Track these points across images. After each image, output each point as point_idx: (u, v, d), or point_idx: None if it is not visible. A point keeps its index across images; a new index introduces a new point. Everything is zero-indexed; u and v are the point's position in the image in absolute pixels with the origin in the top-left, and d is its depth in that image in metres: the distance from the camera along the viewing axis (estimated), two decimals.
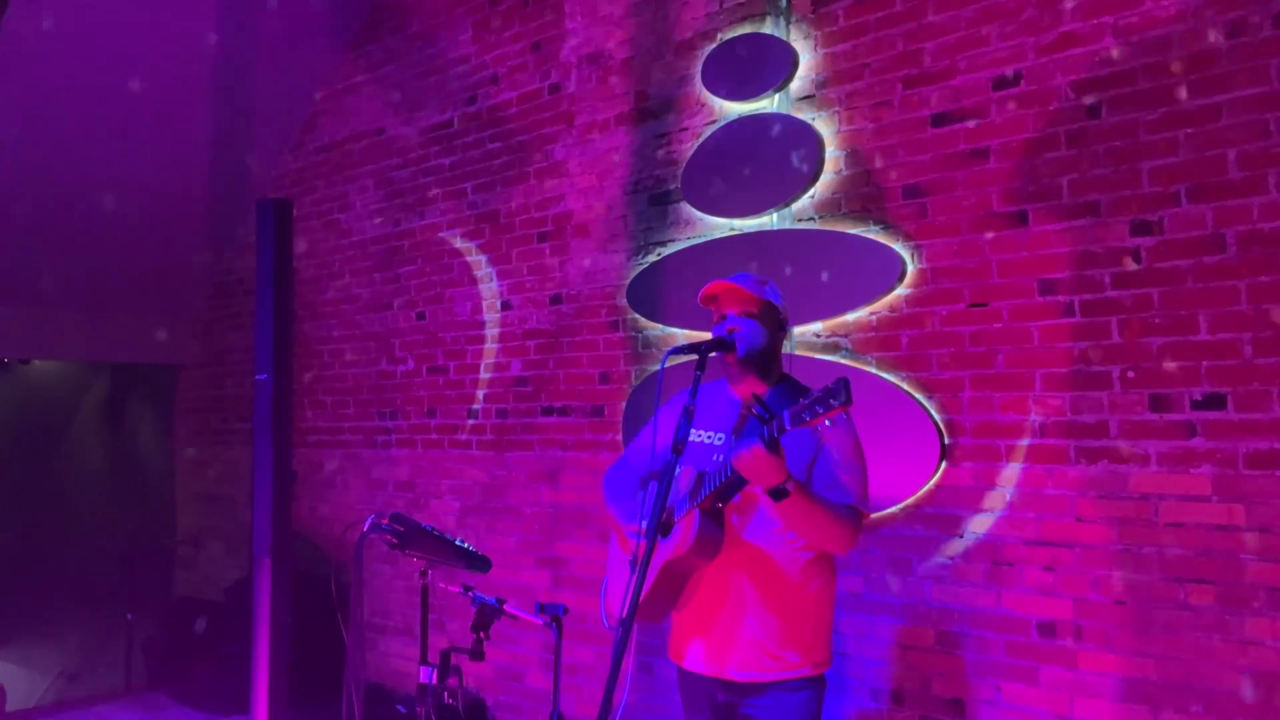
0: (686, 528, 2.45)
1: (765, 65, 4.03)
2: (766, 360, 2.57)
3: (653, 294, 4.39)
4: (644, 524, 2.49)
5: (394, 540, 2.87)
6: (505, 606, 2.92)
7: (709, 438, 2.60)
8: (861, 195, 3.76)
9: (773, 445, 2.20)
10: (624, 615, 2.24)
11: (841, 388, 2.10)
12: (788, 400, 2.47)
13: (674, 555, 2.46)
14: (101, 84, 5.46)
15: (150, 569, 7.03)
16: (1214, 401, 2.97)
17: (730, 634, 2.49)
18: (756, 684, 2.48)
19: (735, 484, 2.38)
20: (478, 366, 5.21)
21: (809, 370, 3.73)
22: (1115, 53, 3.19)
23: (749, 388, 2.57)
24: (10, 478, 6.66)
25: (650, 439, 2.67)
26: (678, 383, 2.67)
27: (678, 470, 2.41)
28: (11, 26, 4.56)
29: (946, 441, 3.48)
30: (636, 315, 4.47)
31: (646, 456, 2.69)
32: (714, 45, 4.24)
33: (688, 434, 2.33)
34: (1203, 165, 3.02)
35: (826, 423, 2.14)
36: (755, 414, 2.24)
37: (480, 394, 5.18)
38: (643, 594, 2.49)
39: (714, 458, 2.54)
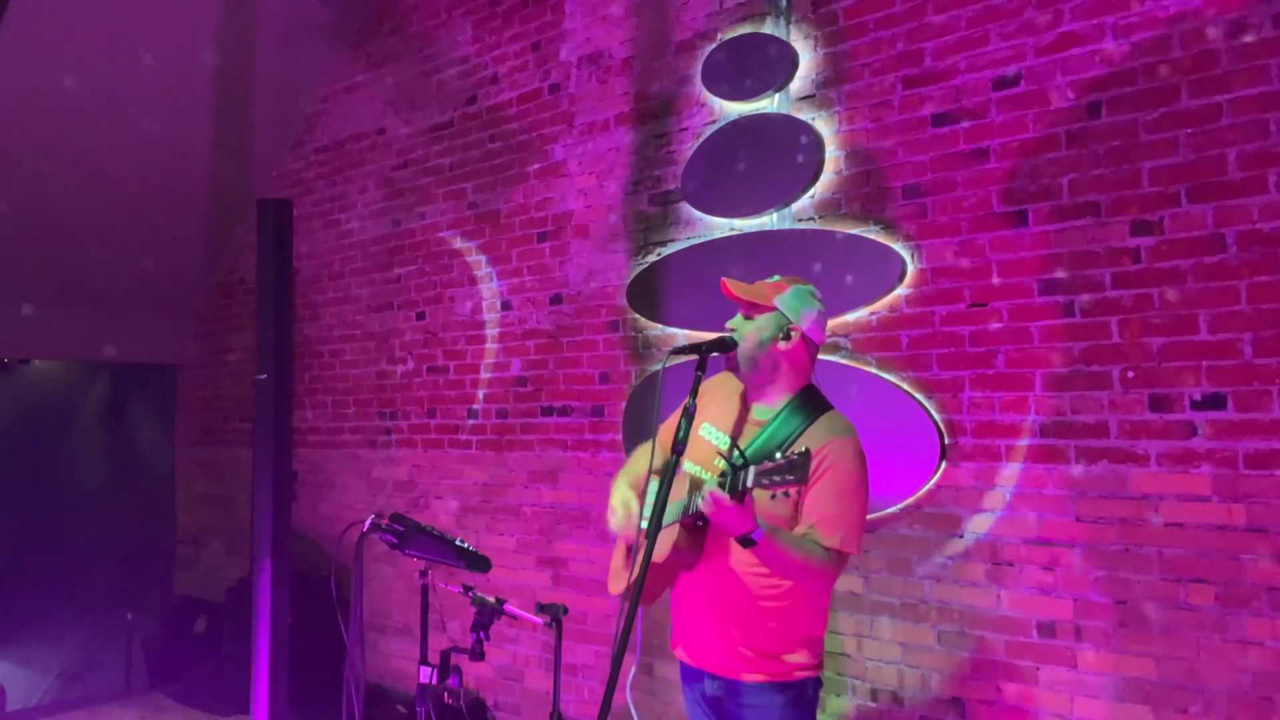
0: (668, 538, 2.45)
1: (765, 65, 4.03)
2: (765, 367, 2.53)
3: (653, 294, 4.39)
4: (643, 524, 2.50)
5: (394, 540, 2.88)
6: (505, 606, 2.92)
7: (716, 437, 2.59)
8: (861, 195, 3.76)
9: (739, 498, 2.16)
10: (622, 620, 2.23)
11: (802, 463, 2.09)
12: (798, 417, 2.47)
13: (656, 560, 2.46)
14: (101, 83, 5.46)
15: (150, 569, 7.03)
16: (1214, 401, 2.97)
17: (715, 636, 2.50)
18: (738, 682, 2.49)
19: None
20: (478, 366, 5.21)
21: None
22: (1115, 53, 3.20)
23: (752, 394, 2.57)
24: (10, 478, 6.65)
25: (653, 441, 2.66)
26: (678, 382, 2.66)
27: (679, 470, 2.42)
28: (11, 26, 4.56)
29: (946, 441, 3.48)
30: (636, 315, 4.47)
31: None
32: (714, 45, 4.24)
33: (687, 435, 2.33)
34: (1203, 165, 3.02)
35: (788, 493, 2.15)
36: (729, 462, 2.18)
37: (480, 394, 5.18)
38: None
39: (714, 461, 2.54)
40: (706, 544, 2.48)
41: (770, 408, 2.54)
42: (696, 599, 2.53)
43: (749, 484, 2.13)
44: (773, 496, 2.18)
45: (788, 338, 2.52)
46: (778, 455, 2.14)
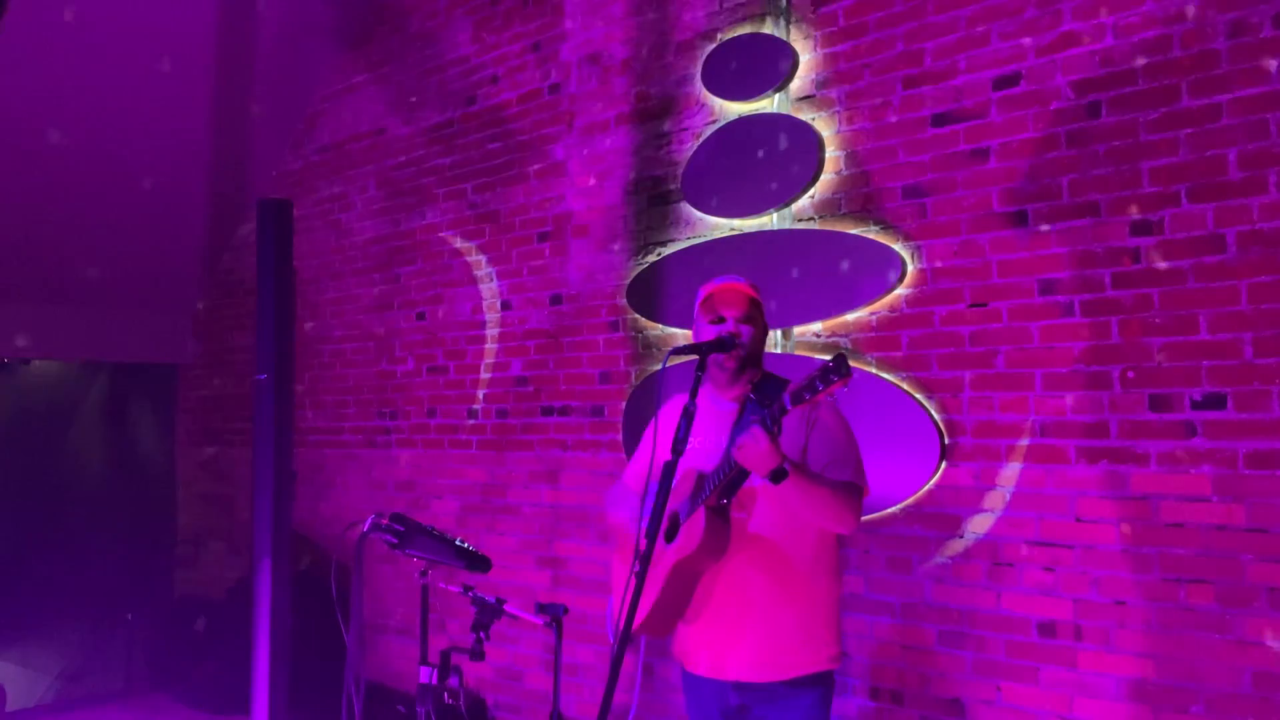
0: (693, 527, 2.44)
1: (765, 65, 4.03)
2: (759, 359, 2.62)
3: (653, 294, 4.39)
4: (643, 524, 2.50)
5: (394, 540, 2.88)
6: (505, 606, 2.92)
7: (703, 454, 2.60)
8: (861, 195, 3.76)
9: (771, 428, 2.23)
10: (622, 615, 2.23)
11: (840, 363, 2.13)
12: (776, 392, 2.48)
13: (681, 556, 2.45)
14: (101, 84, 5.46)
15: (150, 569, 7.03)
16: (1214, 401, 2.97)
17: (741, 634, 2.49)
18: (769, 684, 2.48)
19: (738, 477, 2.39)
20: (478, 366, 5.21)
21: (807, 370, 3.73)
22: (1115, 53, 3.20)
23: (741, 389, 2.58)
24: (10, 478, 6.65)
25: (645, 459, 2.64)
26: (678, 383, 2.67)
27: (678, 476, 2.41)
28: (11, 26, 4.56)
29: (946, 441, 3.48)
30: (636, 315, 4.47)
31: (644, 478, 2.61)
32: (714, 45, 4.24)
33: (688, 435, 2.33)
34: (1203, 165, 3.02)
35: (828, 397, 2.18)
36: (753, 399, 2.29)
37: (480, 394, 5.18)
38: (650, 601, 2.49)
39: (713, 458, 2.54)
40: (734, 524, 2.47)
41: (747, 394, 2.58)
42: (723, 599, 2.51)
43: (788, 407, 2.20)
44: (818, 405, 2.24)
45: (767, 327, 2.69)
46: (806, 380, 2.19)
